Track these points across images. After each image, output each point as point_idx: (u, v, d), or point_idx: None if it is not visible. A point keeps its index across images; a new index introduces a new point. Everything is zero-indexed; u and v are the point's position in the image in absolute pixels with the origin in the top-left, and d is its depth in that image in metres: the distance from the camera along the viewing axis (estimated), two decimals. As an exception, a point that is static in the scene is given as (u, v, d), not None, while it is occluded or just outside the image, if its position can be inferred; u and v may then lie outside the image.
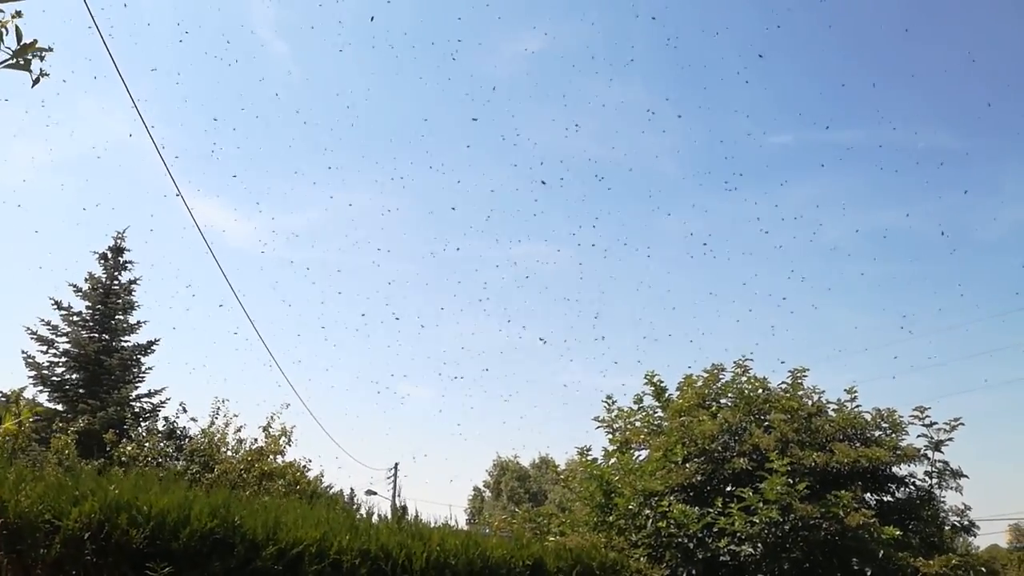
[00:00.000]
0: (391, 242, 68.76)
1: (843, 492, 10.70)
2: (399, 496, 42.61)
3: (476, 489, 67.42)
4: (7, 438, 13.22)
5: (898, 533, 10.74)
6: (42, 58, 2.27)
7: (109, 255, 27.16)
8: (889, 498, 12.47)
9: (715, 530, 10.77)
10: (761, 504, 10.45)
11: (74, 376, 25.72)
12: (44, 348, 25.83)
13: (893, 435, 12.36)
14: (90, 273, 26.90)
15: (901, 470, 12.35)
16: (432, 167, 67.44)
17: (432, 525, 9.78)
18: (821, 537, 10.65)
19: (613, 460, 12.93)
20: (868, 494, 12.15)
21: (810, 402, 12.71)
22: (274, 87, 59.18)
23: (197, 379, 65.30)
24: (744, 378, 12.90)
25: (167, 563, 7.05)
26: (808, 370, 13.06)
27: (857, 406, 12.74)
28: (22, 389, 19.52)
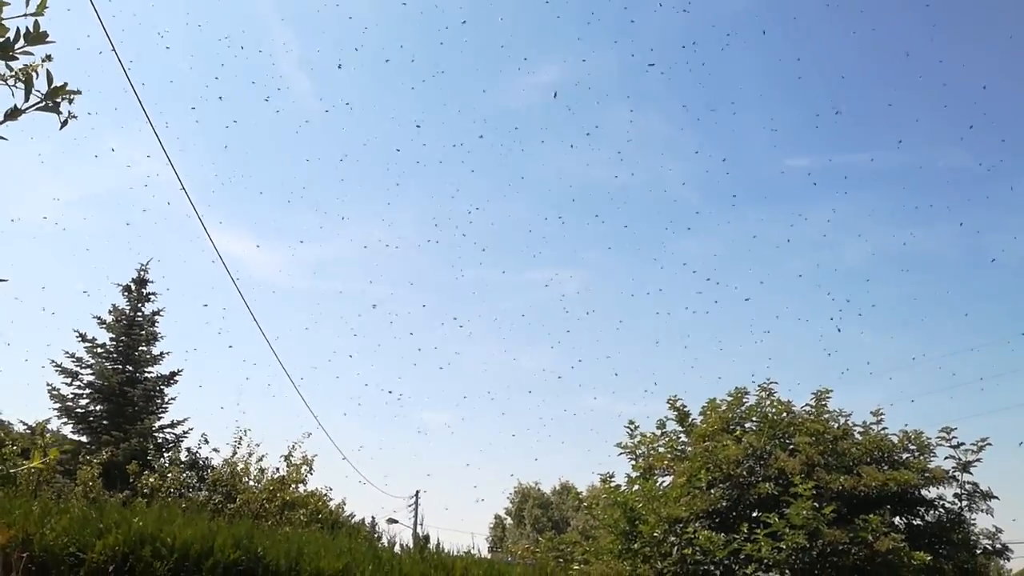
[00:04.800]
0: (409, 272, 69.01)
1: (872, 516, 10.53)
2: (420, 525, 42.35)
3: (497, 517, 66.99)
4: (32, 473, 13.38)
5: (928, 558, 10.52)
6: (71, 101, 2.32)
7: (132, 287, 27.43)
8: (918, 521, 12.23)
9: (742, 556, 10.62)
10: (788, 529, 10.30)
11: (98, 408, 25.89)
12: (68, 380, 26.05)
13: (921, 457, 12.16)
14: (114, 305, 27.19)
15: (930, 493, 12.15)
16: (450, 195, 67.79)
17: (454, 554, 9.72)
18: (850, 563, 10.46)
19: (636, 487, 12.80)
20: (897, 518, 11.93)
21: (836, 425, 12.54)
22: (296, 119, 59.91)
23: (218, 409, 65.45)
24: (768, 401, 12.76)
25: (191, 595, 7.06)
26: (832, 392, 12.92)
27: (883, 428, 12.57)
28: (46, 421, 19.72)
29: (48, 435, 17.39)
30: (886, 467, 11.90)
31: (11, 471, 13.18)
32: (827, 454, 11.72)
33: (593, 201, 63.82)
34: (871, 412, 12.78)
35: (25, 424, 22.86)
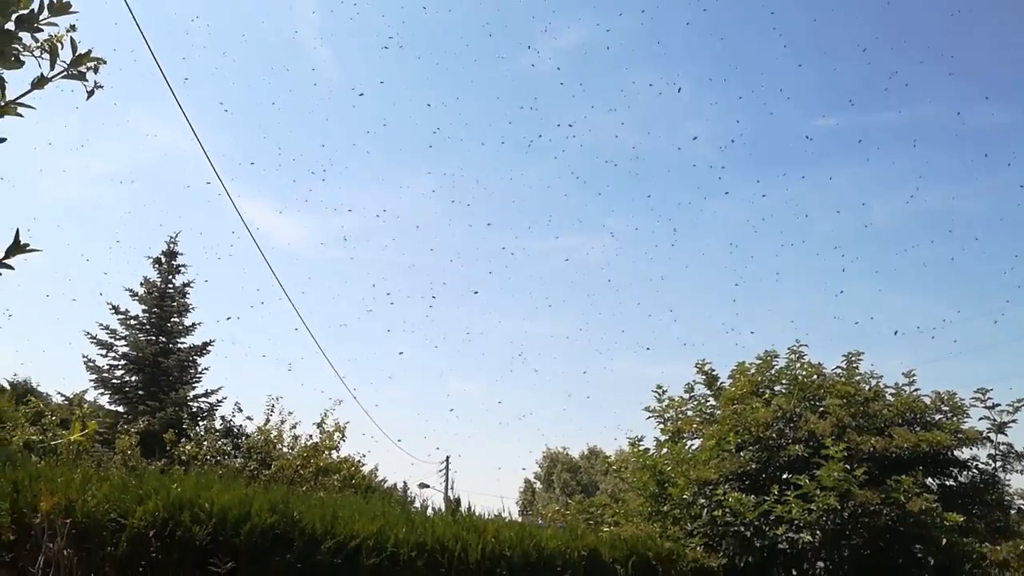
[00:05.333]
0: (438, 239, 69.16)
1: (904, 477, 10.48)
2: (451, 489, 42.92)
3: (527, 481, 67.67)
4: (72, 444, 13.71)
5: (961, 519, 10.47)
6: (96, 70, 2.32)
7: (163, 259, 27.82)
8: (951, 483, 12.17)
9: (772, 518, 10.64)
10: (818, 491, 10.29)
11: (133, 378, 26.43)
12: (104, 352, 26.61)
13: (954, 418, 12.05)
14: (145, 277, 27.62)
15: (963, 454, 12.05)
16: (477, 163, 67.50)
17: (486, 517, 9.83)
18: (882, 523, 10.44)
19: (665, 450, 12.84)
20: (930, 479, 11.87)
21: (867, 387, 12.44)
22: (318, 88, 59.85)
23: (251, 377, 66.37)
24: (798, 364, 12.69)
25: (229, 558, 7.22)
26: (863, 354, 12.81)
27: (916, 390, 12.46)
28: (84, 392, 20.17)
29: (86, 406, 17.79)
30: (918, 428, 11.82)
31: (52, 443, 13.53)
32: (858, 416, 11.66)
33: (617, 167, 63.32)
34: (903, 373, 12.68)
35: (63, 395, 23.43)
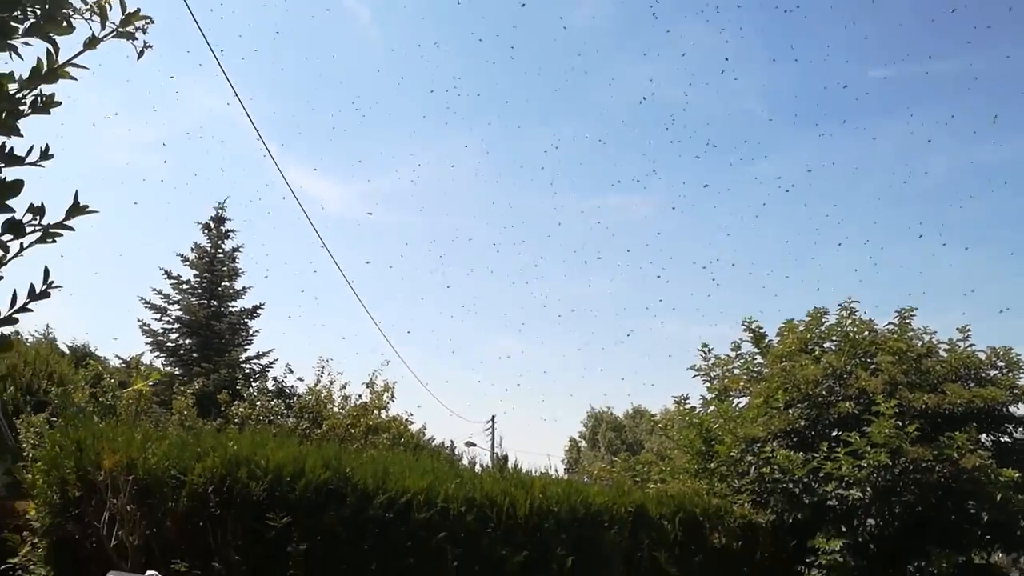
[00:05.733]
0: (478, 202, 69.08)
1: (957, 433, 10.32)
2: (498, 447, 43.42)
3: (572, 440, 68.01)
4: (130, 401, 14.16)
5: (1017, 475, 10.30)
6: (144, 30, 2.34)
7: (212, 225, 28.28)
8: (1006, 439, 11.95)
9: (821, 475, 10.58)
10: (869, 448, 10.19)
11: (187, 341, 27.08)
12: (158, 316, 27.29)
13: (1010, 374, 11.81)
14: (195, 243, 28.14)
15: (1018, 409, 11.82)
16: (518, 125, 66.91)
17: (532, 474, 9.95)
18: (934, 480, 10.33)
19: (712, 408, 12.81)
20: (984, 435, 11.66)
21: (919, 343, 12.21)
22: (361, 53, 59.69)
23: (300, 340, 67.54)
24: (849, 321, 12.48)
25: (285, 513, 7.43)
26: (916, 310, 12.55)
27: (970, 345, 12.20)
28: (140, 355, 20.76)
29: (143, 368, 18.32)
30: (972, 384, 11.60)
31: (117, 393, 14.03)
32: (910, 372, 11.47)
33: (662, 122, 62.21)
34: (957, 329, 12.42)
35: (120, 358, 24.15)
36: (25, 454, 12.54)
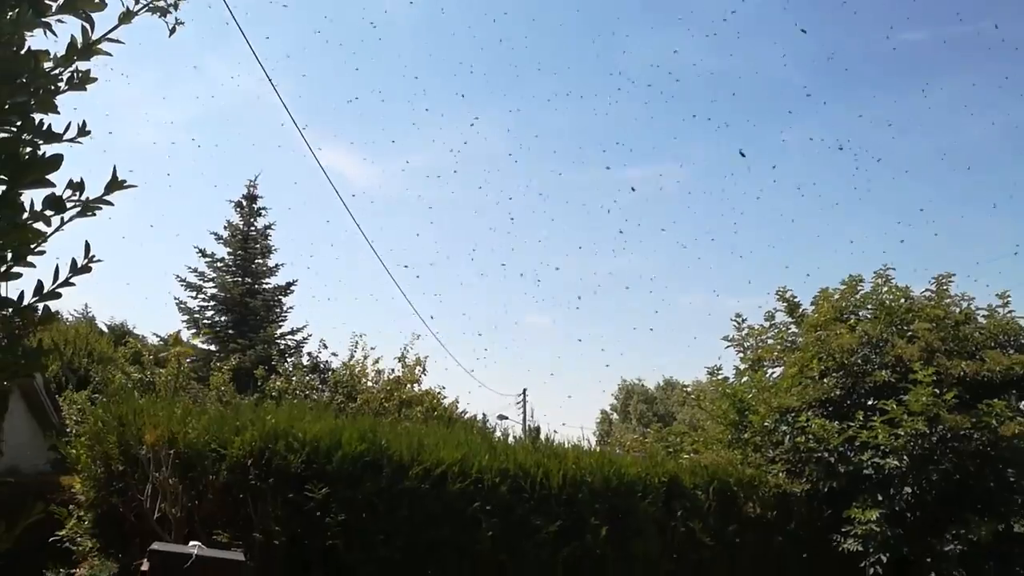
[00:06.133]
0: (509, 174, 68.90)
1: (996, 401, 10.17)
2: (530, 419, 43.65)
3: (603, 412, 68.10)
4: (169, 378, 14.43)
5: (1058, 443, 10.14)
6: (176, 6, 2.35)
7: (244, 203, 28.54)
8: (1048, 406, 11.74)
9: (857, 444, 10.50)
10: (906, 416, 10.08)
11: (223, 318, 27.48)
12: (193, 294, 27.70)
13: (1051, 341, 11.56)
14: (228, 221, 28.44)
15: (1061, 377, 11.57)
16: (548, 98, 66.40)
17: (565, 446, 9.99)
18: (972, 448, 10.21)
19: (745, 378, 12.73)
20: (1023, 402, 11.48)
21: (957, 310, 11.99)
22: (395, 26, 59.52)
23: (332, 316, 68.17)
24: (885, 288, 12.28)
25: (323, 484, 7.55)
26: (954, 276, 12.30)
27: (1010, 311, 11.95)
28: (177, 332, 21.10)
29: (175, 350, 18.63)
30: (1012, 351, 11.39)
31: (156, 370, 14.32)
32: (948, 340, 11.29)
33: (691, 91, 61.36)
34: (997, 295, 12.16)
35: (158, 336, 24.59)
36: (68, 430, 12.88)
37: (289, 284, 28.73)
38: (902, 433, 10.01)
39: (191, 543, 6.45)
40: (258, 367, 17.06)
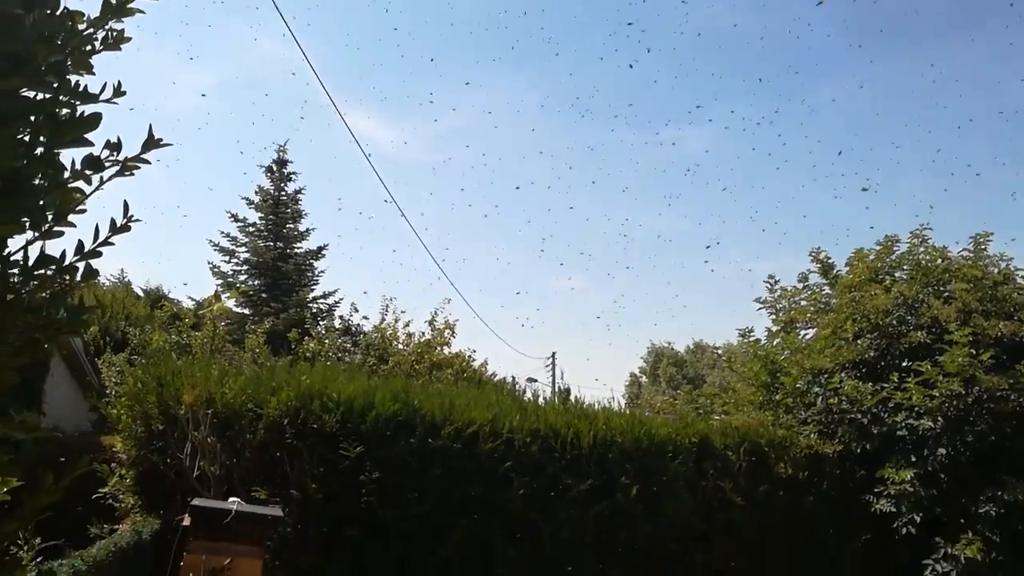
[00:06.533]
0: (540, 136, 68.32)
1: (1034, 362, 10.01)
2: (561, 380, 43.82)
3: (632, 375, 68.13)
4: (205, 341, 14.68)
5: (1096, 404, 9.97)
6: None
7: (274, 168, 28.69)
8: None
9: (891, 405, 10.42)
10: (941, 377, 9.97)
11: (256, 282, 27.82)
12: (227, 259, 28.03)
13: (1092, 300, 11.30)
14: (259, 186, 28.63)
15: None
16: (580, 57, 65.49)
17: (595, 407, 10.03)
18: (1009, 409, 10.07)
19: (777, 340, 12.64)
20: (1062, 364, 11.26)
21: (995, 270, 11.75)
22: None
23: (362, 280, 68.61)
24: (921, 248, 12.05)
25: (358, 443, 7.68)
26: (993, 235, 12.03)
27: (1051, 272, 11.69)
28: (213, 296, 21.40)
29: (215, 307, 18.91)
30: (1052, 312, 11.17)
31: (198, 317, 14.58)
32: (985, 300, 11.09)
33: (716, 51, 60.23)
34: (1038, 255, 11.90)
35: (193, 299, 24.98)
36: (108, 391, 13.19)
37: (320, 248, 28.97)
38: (937, 394, 9.91)
39: (231, 499, 6.61)
40: (291, 330, 17.24)
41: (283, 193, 28.66)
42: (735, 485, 9.57)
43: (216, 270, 27.73)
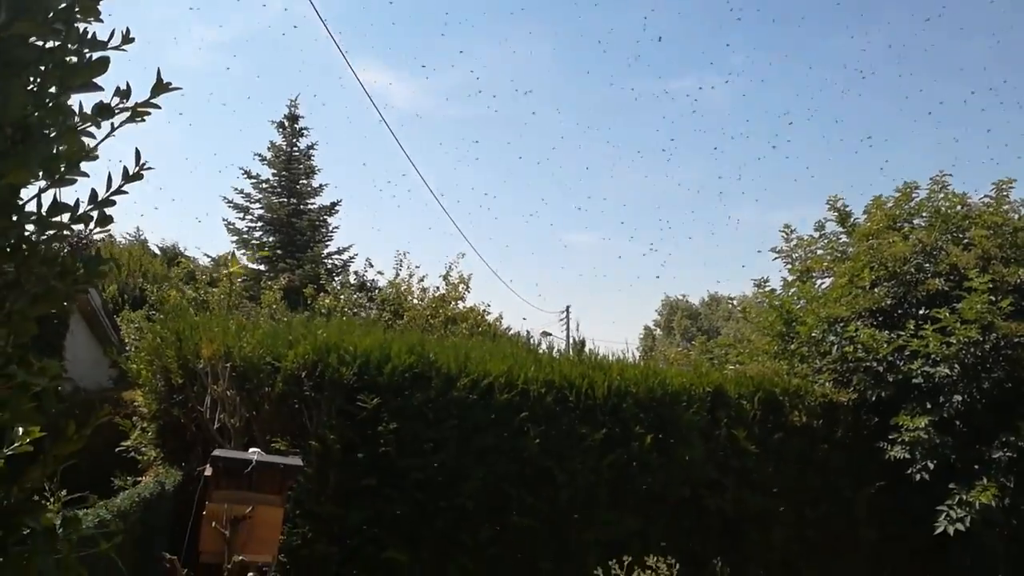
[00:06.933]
0: (553, 90, 67.51)
1: (1054, 308, 9.92)
2: (576, 333, 43.91)
3: (646, 328, 68.14)
4: (222, 296, 14.79)
5: (1114, 350, 9.89)
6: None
7: (286, 123, 28.51)
8: (1108, 314, 11.41)
9: (907, 353, 10.38)
10: (958, 324, 9.91)
11: (271, 239, 27.87)
12: (241, 215, 28.05)
13: (1113, 246, 11.14)
14: (271, 142, 28.49)
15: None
16: (592, 10, 64.36)
17: (610, 358, 10.06)
18: (1027, 356, 10.02)
19: (793, 290, 12.58)
20: (1083, 310, 11.15)
21: (1016, 216, 11.58)
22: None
23: (376, 235, 68.73)
24: (941, 195, 11.86)
25: (374, 395, 7.76)
26: (1015, 181, 11.83)
27: (1075, 218, 11.49)
28: (229, 253, 21.50)
29: (233, 268, 19.02)
30: (1073, 258, 11.03)
31: (214, 276, 14.70)
32: (1006, 247, 10.95)
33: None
34: (1060, 201, 11.69)
35: (209, 257, 25.11)
36: (127, 347, 13.36)
37: (334, 204, 28.91)
38: (954, 341, 9.86)
39: (251, 450, 6.72)
40: (307, 286, 17.35)
41: (296, 149, 28.54)
42: (749, 433, 9.62)
43: (231, 227, 27.79)
